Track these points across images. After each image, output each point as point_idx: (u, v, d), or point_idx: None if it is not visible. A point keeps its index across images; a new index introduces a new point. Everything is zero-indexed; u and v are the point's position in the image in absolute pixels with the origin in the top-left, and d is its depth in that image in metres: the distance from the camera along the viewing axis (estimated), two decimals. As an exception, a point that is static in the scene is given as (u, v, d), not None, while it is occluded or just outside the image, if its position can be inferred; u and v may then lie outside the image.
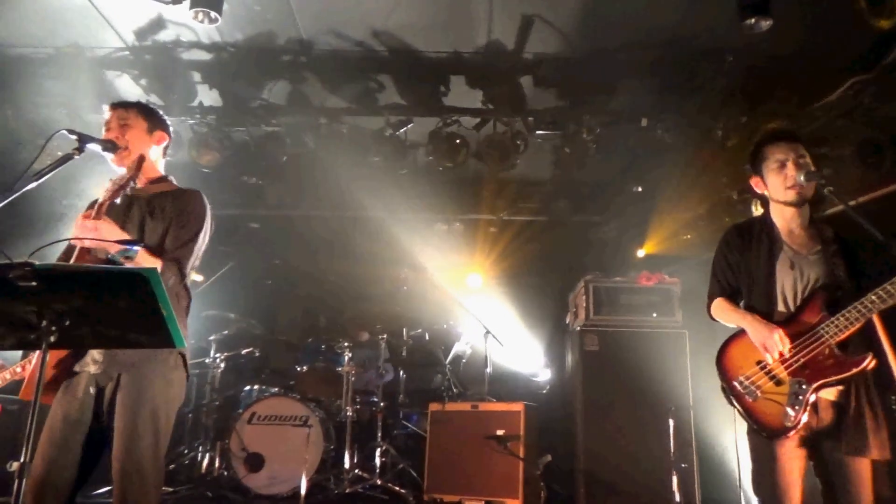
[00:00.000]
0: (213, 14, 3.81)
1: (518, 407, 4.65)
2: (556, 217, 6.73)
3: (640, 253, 6.65)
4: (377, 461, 4.98)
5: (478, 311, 5.68)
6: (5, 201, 2.07)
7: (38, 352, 2.27)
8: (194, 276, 5.38)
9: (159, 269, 2.00)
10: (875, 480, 2.27)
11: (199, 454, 5.17)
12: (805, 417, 2.30)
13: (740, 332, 2.54)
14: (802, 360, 2.35)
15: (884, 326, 2.43)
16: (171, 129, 2.73)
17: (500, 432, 4.53)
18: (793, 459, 2.36)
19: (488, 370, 5.33)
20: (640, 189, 6.28)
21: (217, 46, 4.63)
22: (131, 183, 2.37)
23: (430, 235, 6.79)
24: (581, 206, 6.69)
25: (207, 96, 5.14)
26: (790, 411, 2.32)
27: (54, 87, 4.75)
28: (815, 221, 2.60)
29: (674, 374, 4.80)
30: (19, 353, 2.47)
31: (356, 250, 6.83)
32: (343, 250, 6.94)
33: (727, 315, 2.62)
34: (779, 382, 2.38)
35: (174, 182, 2.67)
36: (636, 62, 4.60)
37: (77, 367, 2.35)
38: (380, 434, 5.08)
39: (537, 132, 5.18)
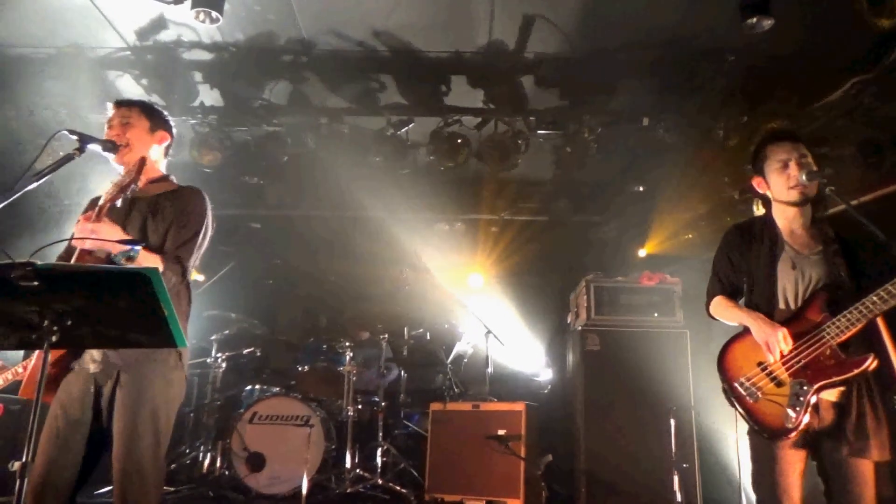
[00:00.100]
0: (214, 14, 3.82)
1: (519, 407, 4.64)
2: (557, 217, 6.73)
3: (641, 253, 6.65)
4: (378, 461, 4.97)
5: (479, 311, 5.67)
6: (6, 201, 2.07)
7: (37, 352, 2.28)
8: (196, 276, 5.41)
9: (160, 269, 2.00)
10: (877, 481, 2.27)
11: (201, 454, 5.17)
12: (806, 418, 2.29)
13: (741, 334, 2.54)
14: (804, 361, 2.34)
15: (887, 328, 2.43)
16: (174, 129, 2.72)
17: (501, 432, 4.53)
18: (793, 460, 2.36)
19: (489, 370, 5.32)
20: (640, 189, 6.28)
21: (218, 46, 4.63)
22: (132, 186, 2.38)
23: (430, 235, 6.79)
24: (582, 205, 6.69)
25: (208, 96, 5.14)
26: (791, 412, 2.31)
27: (55, 87, 4.75)
28: (816, 221, 2.59)
29: (675, 374, 4.79)
30: (20, 353, 2.46)
31: (357, 250, 6.83)
32: (344, 250, 6.94)
33: (729, 312, 2.60)
34: (780, 383, 2.38)
35: (175, 181, 2.67)
36: (636, 62, 4.60)
37: (76, 366, 2.36)
38: (381, 434, 5.07)
39: (538, 132, 5.19)
